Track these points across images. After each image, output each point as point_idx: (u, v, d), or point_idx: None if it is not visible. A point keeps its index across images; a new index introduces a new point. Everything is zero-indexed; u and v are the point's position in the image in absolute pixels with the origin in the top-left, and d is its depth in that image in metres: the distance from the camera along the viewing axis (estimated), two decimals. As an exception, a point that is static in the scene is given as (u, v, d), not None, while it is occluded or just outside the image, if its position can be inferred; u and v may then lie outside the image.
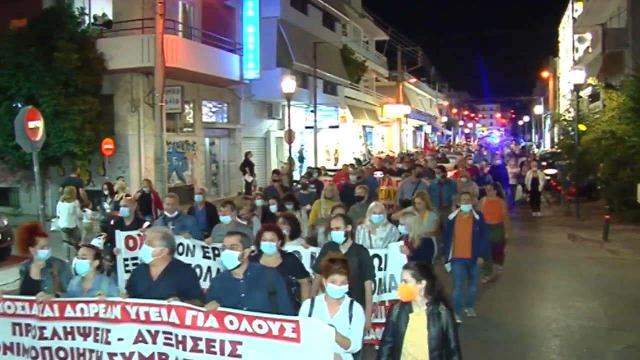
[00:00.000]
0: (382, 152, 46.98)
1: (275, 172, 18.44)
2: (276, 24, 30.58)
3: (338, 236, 7.12)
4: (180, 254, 8.48)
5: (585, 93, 31.11)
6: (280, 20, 31.04)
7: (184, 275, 5.98)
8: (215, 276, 7.67)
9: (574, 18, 46.46)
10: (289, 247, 7.66)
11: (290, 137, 26.09)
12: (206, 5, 24.71)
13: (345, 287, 5.34)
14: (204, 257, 8.86)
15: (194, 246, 8.88)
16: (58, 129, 18.96)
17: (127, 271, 8.82)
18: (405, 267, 5.21)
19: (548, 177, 23.78)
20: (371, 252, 7.70)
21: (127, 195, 14.51)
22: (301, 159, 34.17)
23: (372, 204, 8.84)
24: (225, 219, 9.25)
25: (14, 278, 8.29)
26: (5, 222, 14.40)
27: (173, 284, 5.74)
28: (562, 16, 56.55)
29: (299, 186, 16.29)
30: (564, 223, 19.94)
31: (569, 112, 27.15)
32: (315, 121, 33.01)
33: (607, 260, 14.64)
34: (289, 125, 25.67)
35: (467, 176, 16.30)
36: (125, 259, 9.11)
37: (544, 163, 28.97)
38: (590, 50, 39.70)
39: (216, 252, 8.71)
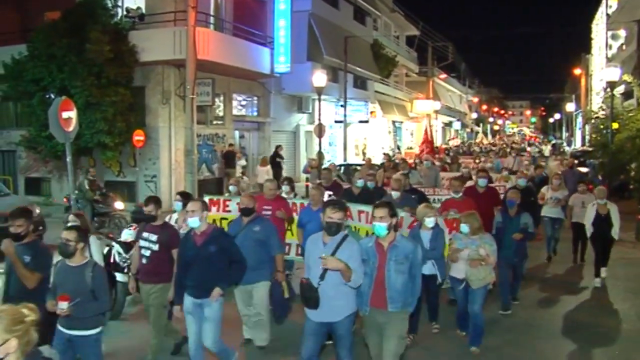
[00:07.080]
0: (411, 148, 46.81)
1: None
2: (307, 17, 30.58)
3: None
4: None
5: (618, 90, 30.62)
6: (312, 14, 31.03)
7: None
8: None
9: (607, 14, 45.75)
10: None
11: (320, 131, 26.06)
12: (238, -1, 24.72)
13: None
14: None
15: None
16: (90, 120, 19.15)
17: None
18: None
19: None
20: None
21: None
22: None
23: None
24: None
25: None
26: (38, 211, 14.59)
27: None
28: (596, 12, 55.77)
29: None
30: (595, 222, 19.61)
31: (602, 109, 26.77)
32: (345, 115, 32.84)
33: (640, 261, 14.43)
34: (320, 119, 25.62)
35: (473, 224, 7.99)
36: None
37: (575, 161, 28.53)
38: (624, 47, 39.11)
39: None
